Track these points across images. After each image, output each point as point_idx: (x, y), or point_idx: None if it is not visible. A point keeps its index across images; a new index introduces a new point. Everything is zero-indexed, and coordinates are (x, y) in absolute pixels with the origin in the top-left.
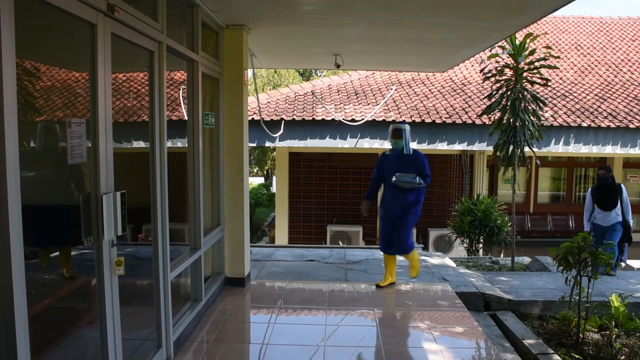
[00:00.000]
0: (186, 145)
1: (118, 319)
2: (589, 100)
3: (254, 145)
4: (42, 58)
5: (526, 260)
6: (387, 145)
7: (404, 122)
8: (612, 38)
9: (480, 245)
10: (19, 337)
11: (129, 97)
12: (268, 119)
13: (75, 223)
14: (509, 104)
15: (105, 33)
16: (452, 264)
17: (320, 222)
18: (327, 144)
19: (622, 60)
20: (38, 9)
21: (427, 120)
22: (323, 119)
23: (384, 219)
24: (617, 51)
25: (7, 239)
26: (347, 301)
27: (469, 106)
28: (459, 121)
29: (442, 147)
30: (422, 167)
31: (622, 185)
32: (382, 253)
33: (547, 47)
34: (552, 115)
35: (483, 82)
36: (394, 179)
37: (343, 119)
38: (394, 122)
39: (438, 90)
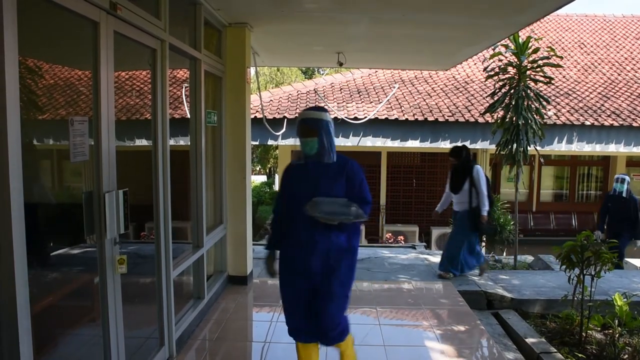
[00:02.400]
0: (189, 143)
1: (121, 317)
2: (592, 98)
3: (257, 143)
4: (44, 56)
5: (529, 258)
6: (389, 143)
7: (320, 108)
8: (615, 36)
9: (483, 244)
10: (21, 335)
11: (132, 95)
12: (271, 117)
13: (78, 221)
14: (512, 102)
15: (108, 31)
16: None
17: None
18: None
19: (626, 58)
20: (41, 7)
21: (430, 119)
22: None
23: (287, 282)
24: (621, 49)
25: (9, 238)
26: (351, 299)
27: (472, 104)
28: (461, 119)
29: (444, 145)
30: (359, 187)
31: (476, 167)
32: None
33: (550, 48)
34: (555, 114)
35: (486, 81)
36: (309, 209)
37: (346, 117)
38: (315, 108)
39: (441, 89)
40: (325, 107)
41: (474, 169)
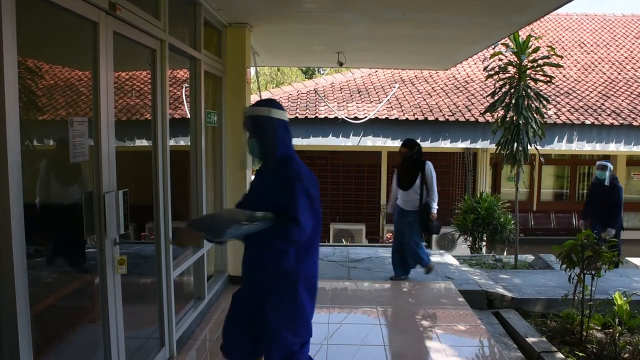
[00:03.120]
0: (189, 143)
1: (121, 317)
2: (592, 97)
3: None
4: (43, 56)
5: (529, 258)
6: (389, 142)
7: (265, 102)
8: (615, 35)
9: (484, 243)
10: (21, 336)
11: (132, 96)
12: None
13: (78, 221)
14: (512, 101)
15: (108, 31)
16: (455, 262)
17: (324, 220)
18: (330, 142)
19: (626, 57)
20: (40, 8)
21: (430, 118)
22: (326, 117)
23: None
24: (621, 49)
25: (9, 238)
26: (350, 299)
27: (472, 104)
28: (462, 119)
29: (445, 145)
30: (291, 203)
31: (428, 163)
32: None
33: (550, 47)
34: (555, 113)
35: (486, 80)
36: (192, 224)
37: (346, 117)
38: (259, 102)
39: (441, 88)
40: (275, 101)
41: (426, 164)
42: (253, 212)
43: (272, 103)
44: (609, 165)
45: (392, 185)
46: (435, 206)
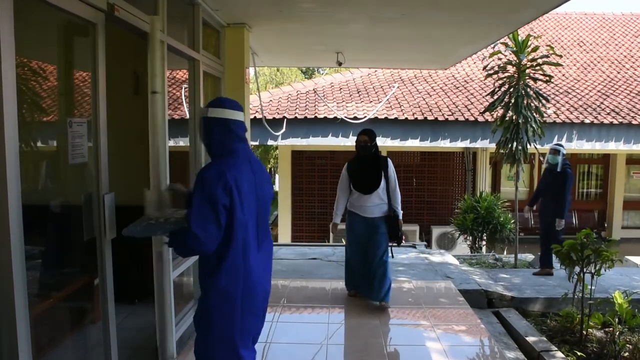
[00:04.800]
0: (188, 144)
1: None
2: (591, 96)
3: (257, 143)
4: (42, 57)
5: (529, 257)
6: (389, 142)
7: (211, 102)
8: (614, 34)
9: (484, 243)
10: (20, 338)
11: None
12: (270, 117)
13: (78, 223)
14: (511, 100)
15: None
16: (455, 261)
17: (323, 220)
18: (330, 142)
19: (625, 56)
20: (38, 9)
21: (430, 118)
22: (325, 117)
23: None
24: (620, 47)
25: (7, 239)
26: (350, 299)
27: (472, 103)
28: (461, 118)
29: (444, 144)
30: (193, 206)
31: (389, 160)
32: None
33: (550, 46)
34: (554, 112)
35: (485, 79)
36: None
37: (345, 117)
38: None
39: (440, 88)
40: (219, 99)
41: (388, 161)
42: (176, 213)
43: (215, 103)
44: (562, 149)
45: (339, 185)
46: (401, 211)
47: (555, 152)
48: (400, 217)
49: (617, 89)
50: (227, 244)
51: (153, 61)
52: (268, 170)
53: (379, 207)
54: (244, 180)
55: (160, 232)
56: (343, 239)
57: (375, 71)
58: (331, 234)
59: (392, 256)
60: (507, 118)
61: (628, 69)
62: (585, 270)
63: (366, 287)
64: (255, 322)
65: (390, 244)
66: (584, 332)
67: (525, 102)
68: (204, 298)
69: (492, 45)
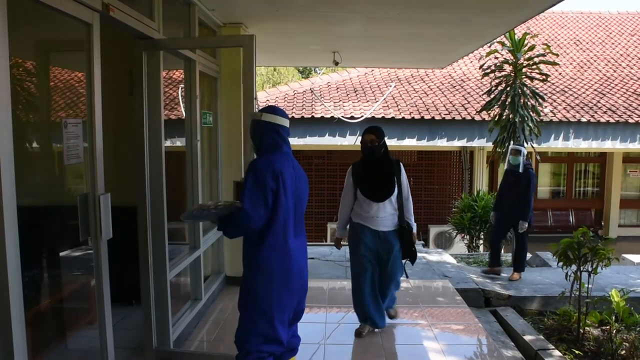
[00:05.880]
0: (184, 144)
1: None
2: (588, 95)
3: None
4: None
5: (527, 255)
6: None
7: (264, 108)
8: (611, 33)
9: (481, 242)
10: (15, 339)
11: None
12: None
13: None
14: (508, 100)
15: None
16: (452, 260)
17: (321, 220)
18: (327, 141)
19: (621, 55)
20: (32, 9)
21: (427, 117)
22: (322, 117)
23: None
24: (616, 46)
25: (2, 240)
26: (348, 299)
27: (469, 102)
28: (458, 117)
29: (441, 143)
30: (243, 187)
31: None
32: None
33: (546, 45)
34: (551, 111)
35: (482, 79)
36: None
37: (342, 116)
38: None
39: (437, 87)
40: (273, 107)
41: (400, 165)
42: (223, 201)
43: (265, 109)
44: (523, 150)
45: (344, 193)
46: (414, 224)
47: (516, 152)
48: (415, 229)
49: (613, 87)
50: (270, 225)
51: None
52: None
53: (392, 217)
54: (287, 173)
55: (211, 217)
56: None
57: (372, 70)
58: (336, 248)
59: (407, 276)
60: (503, 117)
61: (624, 68)
62: (582, 268)
63: (377, 313)
64: (290, 298)
65: (404, 260)
66: (581, 331)
67: (521, 101)
68: (247, 272)
69: (489, 45)
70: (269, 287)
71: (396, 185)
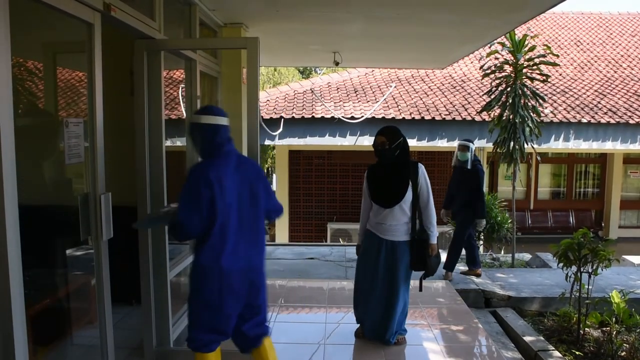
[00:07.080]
0: (185, 144)
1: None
2: (588, 96)
3: None
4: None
5: (527, 256)
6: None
7: (199, 109)
8: (611, 34)
9: (481, 242)
10: (16, 338)
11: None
12: (267, 117)
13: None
14: (508, 100)
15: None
16: None
17: (321, 219)
18: (327, 141)
19: (622, 56)
20: (33, 9)
21: (427, 118)
22: (323, 117)
23: None
24: (617, 47)
25: (4, 240)
26: (348, 299)
27: (469, 103)
28: (458, 118)
29: (442, 144)
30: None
31: (421, 166)
32: None
33: (547, 46)
34: (552, 112)
35: (482, 79)
36: None
37: (342, 116)
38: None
39: (437, 87)
40: (208, 107)
41: (418, 168)
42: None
43: (198, 111)
44: (472, 145)
45: (363, 200)
46: (435, 233)
47: (464, 148)
48: (434, 241)
49: (614, 88)
50: (209, 227)
51: None
52: (265, 170)
53: (404, 226)
54: (224, 176)
55: (162, 222)
56: (340, 239)
57: (373, 71)
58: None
59: (420, 289)
60: (504, 118)
61: (625, 69)
62: (582, 269)
63: (370, 326)
64: (232, 294)
65: (414, 270)
66: (581, 332)
67: (522, 101)
68: (191, 269)
69: (489, 45)
70: (209, 284)
71: (410, 190)
